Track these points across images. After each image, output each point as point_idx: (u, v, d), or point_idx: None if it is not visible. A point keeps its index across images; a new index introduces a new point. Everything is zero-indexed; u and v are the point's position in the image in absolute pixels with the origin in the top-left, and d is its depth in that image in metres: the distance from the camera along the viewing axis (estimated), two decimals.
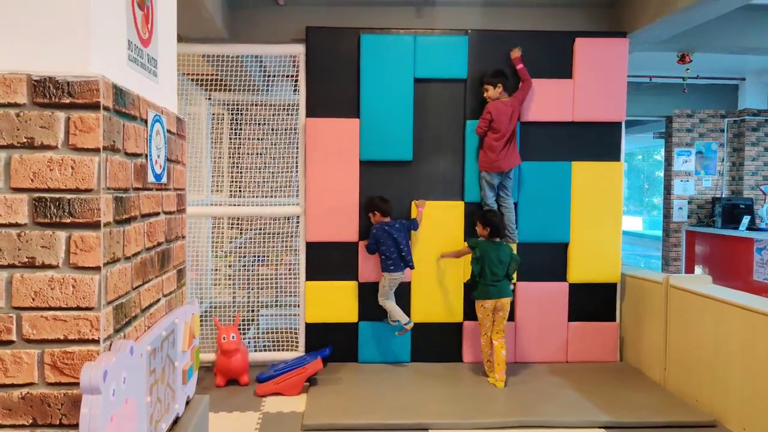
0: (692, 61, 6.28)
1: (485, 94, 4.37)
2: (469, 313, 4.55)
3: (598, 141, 4.62)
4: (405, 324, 4.32)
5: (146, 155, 1.75)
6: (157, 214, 1.88)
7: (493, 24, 4.74)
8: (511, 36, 4.49)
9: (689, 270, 8.68)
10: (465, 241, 4.43)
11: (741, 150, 8.79)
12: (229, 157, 5.12)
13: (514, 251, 4.26)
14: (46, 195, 1.40)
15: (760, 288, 7.03)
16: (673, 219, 8.93)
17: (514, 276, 4.32)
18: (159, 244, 1.90)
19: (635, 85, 8.26)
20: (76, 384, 1.42)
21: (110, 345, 1.49)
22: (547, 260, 4.63)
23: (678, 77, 7.52)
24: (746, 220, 7.96)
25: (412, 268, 4.40)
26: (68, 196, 1.40)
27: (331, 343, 4.49)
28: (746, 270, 7.45)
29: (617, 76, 4.58)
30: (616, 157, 4.65)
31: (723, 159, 8.93)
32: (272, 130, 4.78)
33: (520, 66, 4.42)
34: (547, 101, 4.53)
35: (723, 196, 8.81)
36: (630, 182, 24.56)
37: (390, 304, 4.39)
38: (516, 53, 4.43)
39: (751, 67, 8.13)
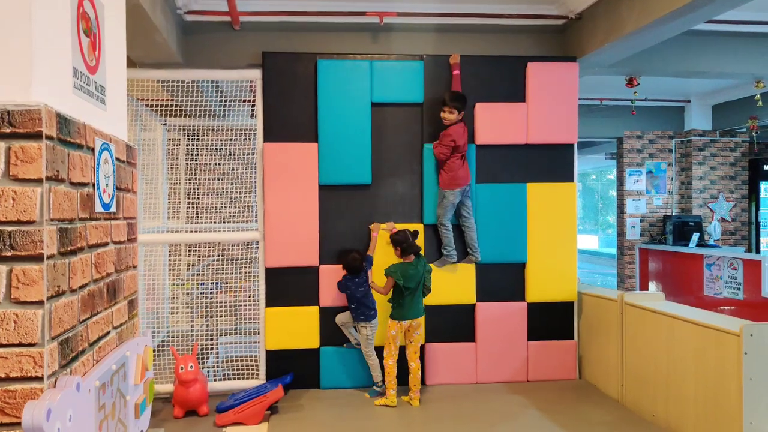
0: (640, 84, 6.53)
1: (446, 116, 4.37)
2: (432, 336, 4.57)
3: (551, 162, 4.74)
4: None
5: (94, 184, 1.71)
6: (106, 244, 1.83)
7: (447, 49, 4.84)
8: (465, 61, 4.59)
9: (644, 286, 8.90)
10: (384, 272, 4.24)
11: (689, 169, 9.12)
12: (186, 182, 5.04)
13: (474, 269, 4.26)
14: None
15: (711, 303, 7.26)
16: (626, 237, 9.17)
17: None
18: (108, 275, 1.85)
19: (587, 107, 8.53)
20: (19, 424, 1.36)
21: (55, 382, 1.43)
22: (506, 280, 4.69)
23: (627, 99, 7.83)
24: (696, 237, 8.24)
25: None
26: (9, 229, 1.36)
27: (293, 370, 4.43)
28: (697, 285, 7.69)
29: (569, 99, 4.72)
30: (569, 178, 4.77)
31: (672, 178, 9.25)
32: (230, 154, 4.75)
33: (456, 72, 4.54)
34: (502, 124, 4.63)
35: (673, 214, 9.11)
36: (585, 201, 25.21)
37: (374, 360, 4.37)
38: (455, 58, 4.55)
39: (695, 90, 8.50)
